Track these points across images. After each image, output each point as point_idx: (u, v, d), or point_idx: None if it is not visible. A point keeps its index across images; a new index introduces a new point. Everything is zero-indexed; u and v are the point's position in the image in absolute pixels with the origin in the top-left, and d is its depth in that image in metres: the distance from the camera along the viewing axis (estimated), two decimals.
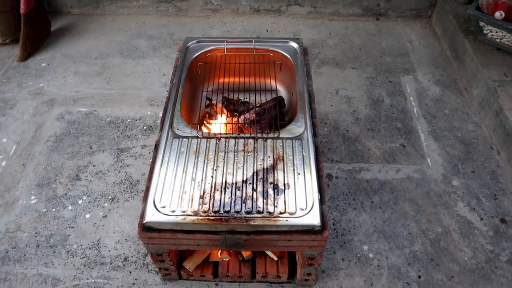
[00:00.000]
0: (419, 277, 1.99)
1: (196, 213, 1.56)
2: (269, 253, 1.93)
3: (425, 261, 2.05)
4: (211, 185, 1.65)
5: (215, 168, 1.71)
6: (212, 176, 1.68)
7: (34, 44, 3.11)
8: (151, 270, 2.00)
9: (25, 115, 2.69)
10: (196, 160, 1.73)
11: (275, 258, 1.93)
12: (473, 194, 2.32)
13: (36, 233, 2.13)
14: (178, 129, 1.86)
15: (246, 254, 1.92)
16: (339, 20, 3.51)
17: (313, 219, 1.54)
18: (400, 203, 2.28)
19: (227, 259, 1.93)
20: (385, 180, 2.38)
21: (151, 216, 1.56)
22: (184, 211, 1.57)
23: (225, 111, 2.26)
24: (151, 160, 2.35)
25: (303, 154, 1.75)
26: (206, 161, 1.73)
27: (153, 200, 1.60)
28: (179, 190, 1.63)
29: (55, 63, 3.06)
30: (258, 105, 2.25)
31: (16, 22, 3.13)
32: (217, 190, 1.63)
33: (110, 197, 2.27)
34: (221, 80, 2.31)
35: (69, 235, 2.12)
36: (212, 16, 3.53)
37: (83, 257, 2.04)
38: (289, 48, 2.27)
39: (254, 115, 2.19)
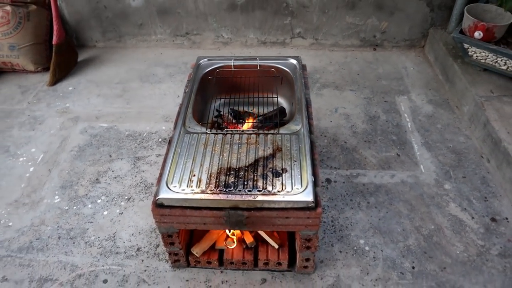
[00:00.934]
0: (413, 267, 2.11)
1: (203, 191, 1.76)
2: (270, 241, 2.08)
3: (418, 253, 2.17)
4: (217, 169, 1.86)
5: (221, 156, 1.93)
6: (218, 163, 1.89)
7: (63, 72, 3.48)
8: (161, 259, 2.16)
9: (52, 129, 2.98)
10: (204, 151, 1.96)
11: (276, 246, 2.08)
12: (465, 196, 2.47)
13: (58, 227, 2.32)
14: (189, 127, 2.10)
15: (249, 241, 2.07)
16: (339, 51, 3.84)
17: (307, 196, 1.73)
18: (394, 203, 2.43)
19: (232, 246, 2.08)
20: (381, 183, 2.55)
21: (164, 193, 1.76)
22: (192, 190, 1.77)
23: (232, 120, 2.51)
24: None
25: (299, 146, 1.96)
26: (213, 151, 1.95)
27: (166, 181, 1.81)
28: (189, 173, 1.84)
29: (80, 87, 3.40)
30: (262, 114, 2.50)
31: (47, 52, 3.52)
32: (222, 173, 1.84)
33: (126, 197, 2.48)
34: (229, 93, 2.58)
35: (87, 228, 2.31)
36: (222, 48, 3.89)
37: (100, 247, 2.22)
38: (289, 64, 2.55)
39: (258, 122, 2.44)
